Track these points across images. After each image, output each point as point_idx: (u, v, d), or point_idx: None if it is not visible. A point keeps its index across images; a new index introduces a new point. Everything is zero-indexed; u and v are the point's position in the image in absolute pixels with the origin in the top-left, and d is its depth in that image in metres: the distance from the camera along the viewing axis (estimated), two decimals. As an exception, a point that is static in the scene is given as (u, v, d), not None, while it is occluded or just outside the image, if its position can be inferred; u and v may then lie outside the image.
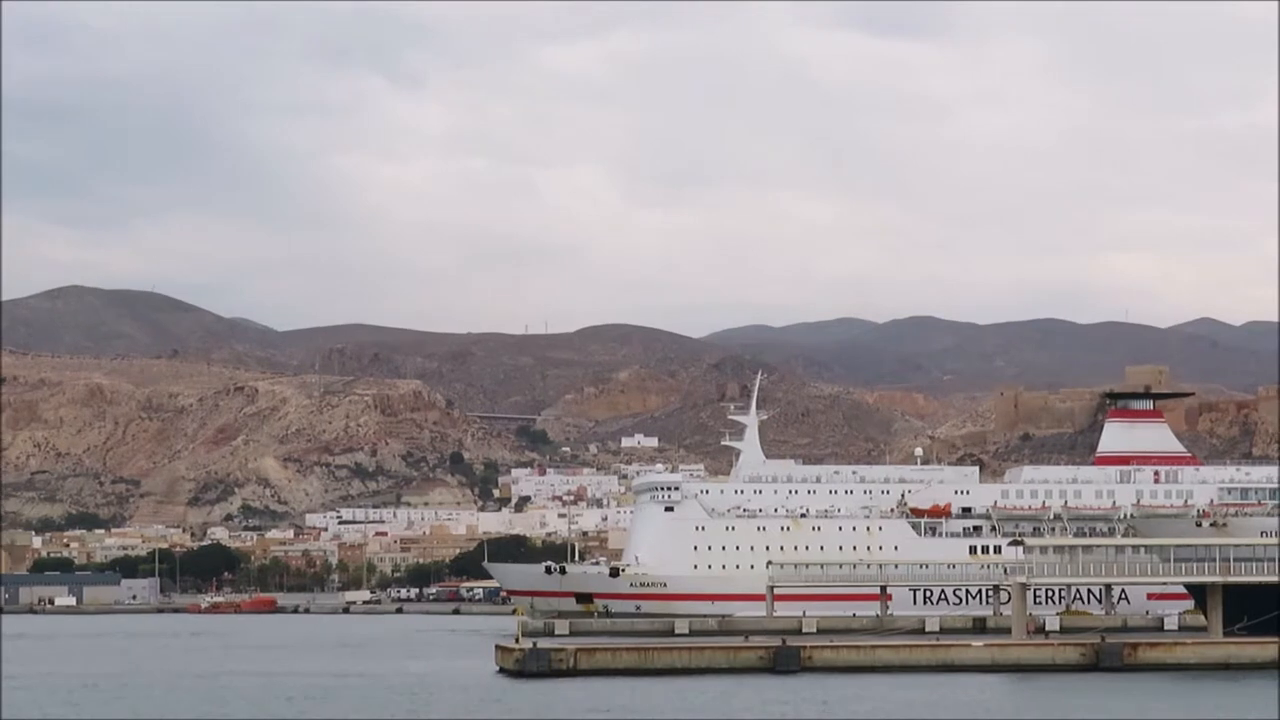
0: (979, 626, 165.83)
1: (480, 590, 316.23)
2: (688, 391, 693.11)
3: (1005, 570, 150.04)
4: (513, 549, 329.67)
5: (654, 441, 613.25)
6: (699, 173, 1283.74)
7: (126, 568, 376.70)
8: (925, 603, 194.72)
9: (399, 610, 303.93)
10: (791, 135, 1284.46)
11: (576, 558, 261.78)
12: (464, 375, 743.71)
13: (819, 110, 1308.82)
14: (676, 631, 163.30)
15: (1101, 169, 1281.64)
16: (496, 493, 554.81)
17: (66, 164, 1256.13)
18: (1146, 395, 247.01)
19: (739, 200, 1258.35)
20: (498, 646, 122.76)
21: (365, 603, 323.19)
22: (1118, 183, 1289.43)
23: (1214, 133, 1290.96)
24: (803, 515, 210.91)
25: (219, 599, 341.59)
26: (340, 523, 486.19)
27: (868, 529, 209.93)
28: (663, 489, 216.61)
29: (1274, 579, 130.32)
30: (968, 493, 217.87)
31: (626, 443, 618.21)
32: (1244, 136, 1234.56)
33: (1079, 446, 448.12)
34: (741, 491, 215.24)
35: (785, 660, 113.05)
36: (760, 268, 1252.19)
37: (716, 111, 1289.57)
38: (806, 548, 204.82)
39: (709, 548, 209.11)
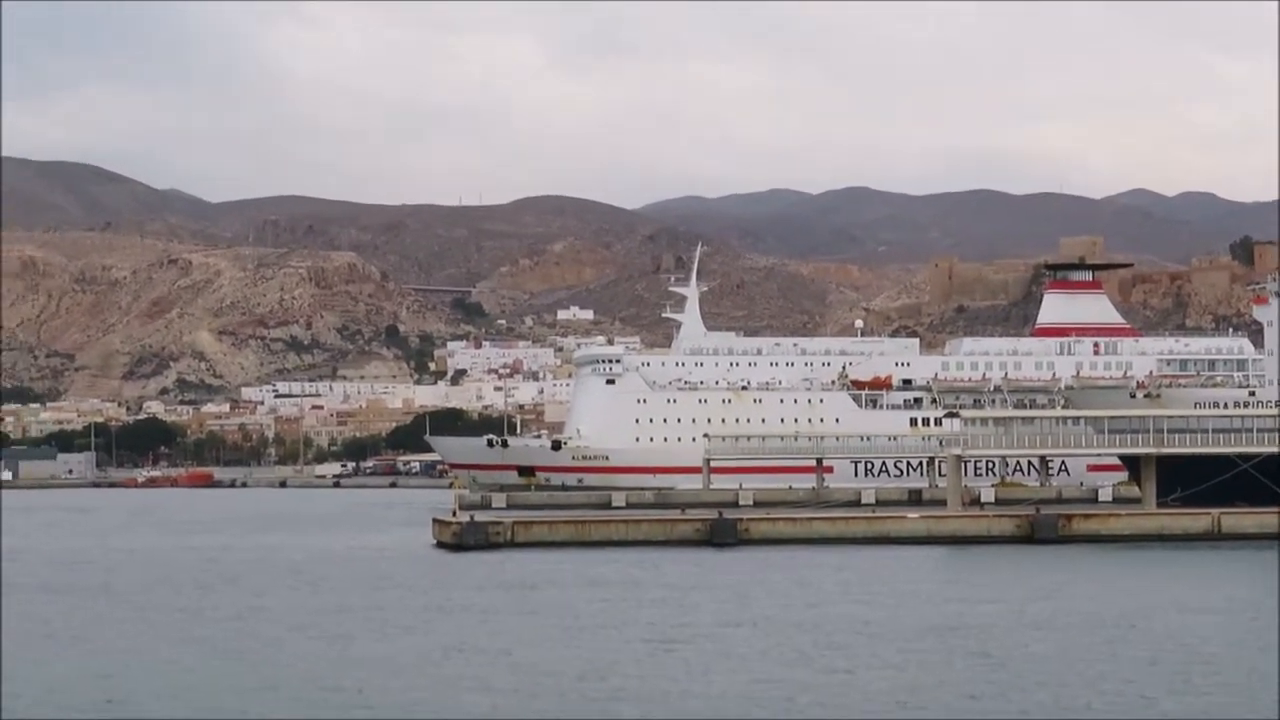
0: (915, 499, 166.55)
1: (417, 464, 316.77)
2: (623, 264, 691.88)
3: (941, 442, 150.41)
4: (449, 422, 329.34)
5: (589, 314, 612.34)
6: (628, 41, 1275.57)
7: (62, 442, 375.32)
8: (866, 475, 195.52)
9: (336, 484, 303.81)
10: (720, 2, 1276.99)
11: (515, 431, 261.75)
12: (398, 247, 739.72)
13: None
14: (614, 504, 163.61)
15: (1033, 36, 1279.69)
16: (433, 366, 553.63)
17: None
18: (1085, 266, 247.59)
19: (669, 70, 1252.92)
20: (435, 520, 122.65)
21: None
22: (1047, 51, 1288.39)
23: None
24: (744, 388, 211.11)
25: (156, 473, 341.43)
26: (276, 396, 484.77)
27: (809, 401, 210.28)
28: (604, 362, 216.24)
29: (1207, 450, 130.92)
30: (909, 365, 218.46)
31: (562, 315, 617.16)
32: (1173, 5, 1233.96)
33: (1013, 318, 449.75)
34: (682, 364, 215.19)
35: (721, 533, 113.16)
36: (693, 139, 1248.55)
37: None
38: (748, 420, 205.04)
39: (650, 420, 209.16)
